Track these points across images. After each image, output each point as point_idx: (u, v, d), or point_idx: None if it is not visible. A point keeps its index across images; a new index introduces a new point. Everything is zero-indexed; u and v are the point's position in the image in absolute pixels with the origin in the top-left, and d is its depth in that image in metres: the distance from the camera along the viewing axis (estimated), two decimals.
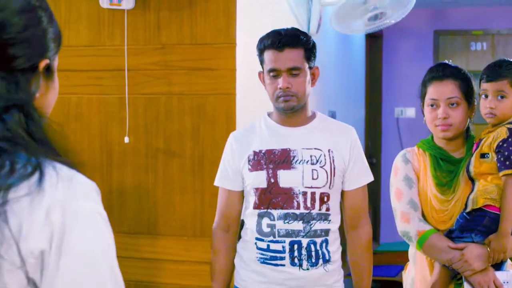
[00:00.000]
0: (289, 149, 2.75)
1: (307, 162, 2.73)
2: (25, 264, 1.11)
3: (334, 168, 2.74)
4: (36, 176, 1.13)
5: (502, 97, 2.63)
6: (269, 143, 2.78)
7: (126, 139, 3.62)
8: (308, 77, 2.76)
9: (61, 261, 1.12)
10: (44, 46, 1.26)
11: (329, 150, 2.76)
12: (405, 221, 2.72)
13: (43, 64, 1.26)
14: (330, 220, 2.74)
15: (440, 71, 2.73)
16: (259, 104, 3.53)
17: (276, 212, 2.72)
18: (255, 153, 2.77)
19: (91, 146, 3.69)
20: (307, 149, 2.75)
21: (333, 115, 5.54)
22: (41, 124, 1.20)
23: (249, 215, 2.80)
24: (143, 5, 3.62)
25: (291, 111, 2.75)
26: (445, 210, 2.70)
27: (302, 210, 2.70)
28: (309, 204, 2.71)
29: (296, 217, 2.70)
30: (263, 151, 2.76)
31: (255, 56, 2.79)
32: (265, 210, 2.73)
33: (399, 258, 5.86)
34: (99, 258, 1.15)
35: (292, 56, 2.71)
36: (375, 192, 7.39)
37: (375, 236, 7.31)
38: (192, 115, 3.58)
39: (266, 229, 2.74)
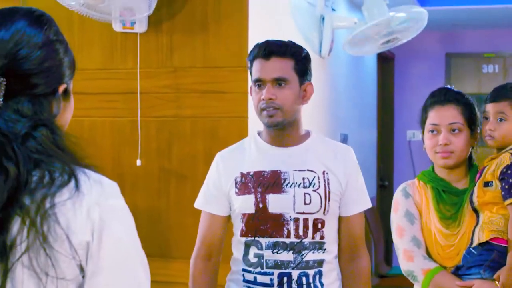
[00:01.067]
0: (280, 171, 2.50)
1: (299, 185, 2.48)
2: (76, 254, 1.32)
3: (329, 192, 2.50)
4: (72, 182, 1.34)
5: (501, 119, 2.54)
6: (258, 164, 2.53)
7: (138, 162, 3.62)
8: (298, 91, 2.50)
9: (101, 249, 1.34)
10: (61, 73, 1.43)
11: (323, 172, 2.51)
12: (408, 259, 2.57)
13: (61, 88, 1.44)
14: (325, 249, 2.50)
15: (442, 96, 2.61)
16: None
17: (264, 241, 2.47)
18: (242, 175, 2.52)
19: (103, 169, 3.64)
20: (299, 171, 2.50)
21: (345, 138, 5.53)
22: (64, 138, 1.39)
23: (236, 243, 2.57)
24: (156, 28, 3.64)
25: (277, 127, 2.50)
26: (451, 246, 2.54)
27: (292, 239, 2.46)
28: (301, 232, 2.46)
29: (285, 247, 2.46)
30: (251, 173, 2.51)
31: None
32: (253, 238, 2.49)
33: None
34: (130, 245, 1.39)
35: (279, 66, 2.47)
36: (387, 214, 7.31)
37: (388, 259, 7.26)
38: (204, 138, 3.58)
39: (253, 259, 2.49)
